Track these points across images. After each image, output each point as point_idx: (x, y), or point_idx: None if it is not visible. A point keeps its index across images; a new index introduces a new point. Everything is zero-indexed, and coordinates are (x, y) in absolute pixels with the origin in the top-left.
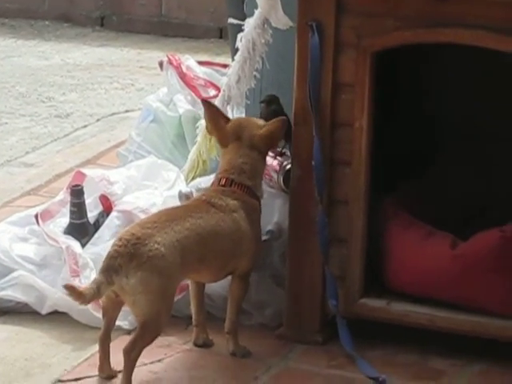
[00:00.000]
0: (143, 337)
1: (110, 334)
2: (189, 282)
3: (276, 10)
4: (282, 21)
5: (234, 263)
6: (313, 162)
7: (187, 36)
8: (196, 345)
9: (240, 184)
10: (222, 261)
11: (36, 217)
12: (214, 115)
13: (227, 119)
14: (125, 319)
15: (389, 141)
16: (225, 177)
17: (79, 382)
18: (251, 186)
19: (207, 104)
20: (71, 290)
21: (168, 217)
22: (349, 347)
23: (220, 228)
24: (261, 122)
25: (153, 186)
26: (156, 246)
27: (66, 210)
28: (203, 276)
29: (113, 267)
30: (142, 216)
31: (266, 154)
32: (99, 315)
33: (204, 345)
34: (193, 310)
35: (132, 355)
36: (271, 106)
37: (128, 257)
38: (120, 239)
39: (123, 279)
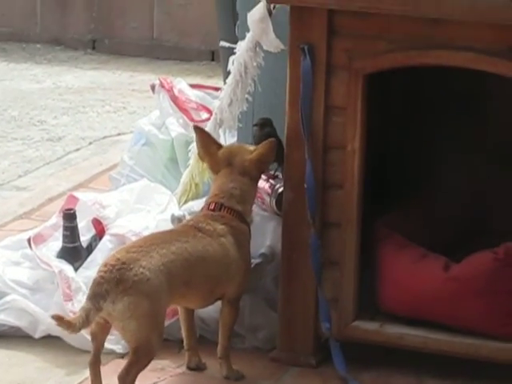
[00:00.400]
0: (137, 362)
1: (99, 358)
2: (178, 307)
3: (267, 33)
4: (274, 44)
5: (222, 289)
6: (305, 185)
7: (179, 59)
8: (189, 368)
9: (229, 208)
10: (209, 286)
11: (29, 241)
12: (206, 141)
13: (219, 145)
14: (118, 343)
15: (381, 163)
16: (214, 201)
17: None
18: (241, 211)
19: (199, 130)
20: (60, 320)
21: (154, 241)
22: (342, 370)
23: (207, 253)
24: (251, 148)
25: (145, 209)
26: (141, 270)
27: (59, 233)
28: (190, 301)
29: (100, 294)
30: (135, 239)
31: (258, 179)
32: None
33: (197, 368)
34: (184, 334)
35: (127, 381)
36: (264, 129)
37: (114, 282)
38: (105, 265)
39: (110, 305)
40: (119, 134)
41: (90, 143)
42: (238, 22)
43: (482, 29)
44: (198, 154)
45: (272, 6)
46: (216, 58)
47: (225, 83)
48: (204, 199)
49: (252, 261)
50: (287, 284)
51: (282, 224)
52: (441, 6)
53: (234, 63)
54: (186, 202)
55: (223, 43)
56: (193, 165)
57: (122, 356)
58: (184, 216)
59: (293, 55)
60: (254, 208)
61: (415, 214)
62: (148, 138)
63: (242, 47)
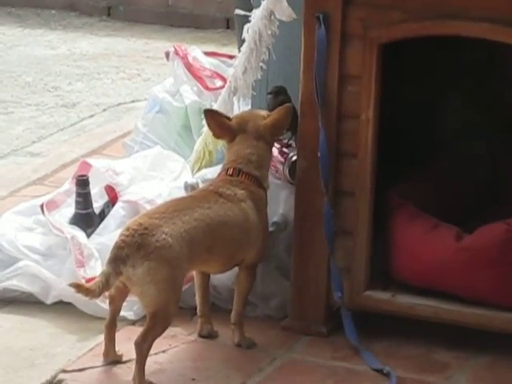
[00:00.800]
0: (153, 328)
1: (116, 322)
2: (194, 273)
3: (280, 1)
4: (286, 13)
5: (242, 254)
6: (319, 154)
7: (194, 26)
8: (201, 336)
9: (247, 174)
10: (230, 251)
11: (41, 207)
12: (218, 121)
13: (228, 118)
14: (130, 310)
15: (395, 132)
16: (232, 167)
17: (83, 372)
18: (258, 176)
19: (209, 113)
20: (78, 287)
21: (176, 207)
22: (353, 339)
23: (228, 218)
24: (263, 112)
25: (159, 176)
26: (163, 236)
27: (72, 200)
28: (211, 266)
29: (120, 257)
30: (148, 207)
31: (273, 144)
32: (104, 305)
33: (209, 336)
34: (198, 301)
35: (144, 347)
36: (279, 97)
37: (135, 247)
38: (127, 229)
39: (130, 269)
40: (133, 101)
41: (104, 110)
42: None
43: None
44: (214, 134)
45: None
46: (231, 25)
47: (239, 51)
48: (217, 167)
49: None
50: (299, 253)
51: (295, 193)
52: None
53: (248, 31)
54: (199, 169)
55: (238, 11)
56: (206, 132)
57: (133, 322)
58: (197, 184)
59: (307, 24)
60: (268, 176)
61: (428, 183)
62: (162, 105)
63: (256, 15)
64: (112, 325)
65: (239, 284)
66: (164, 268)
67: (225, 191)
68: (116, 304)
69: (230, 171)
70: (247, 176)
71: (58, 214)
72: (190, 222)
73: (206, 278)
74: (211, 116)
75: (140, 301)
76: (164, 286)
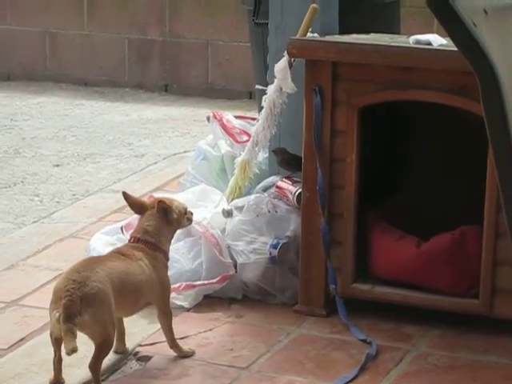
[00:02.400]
0: (102, 353)
1: (61, 357)
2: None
3: (286, 79)
4: (290, 86)
5: (145, 298)
6: (317, 187)
7: (226, 98)
8: (116, 352)
9: (144, 241)
10: (135, 296)
11: (121, 228)
12: (132, 200)
13: (142, 201)
14: (185, 300)
15: (372, 170)
16: (133, 236)
17: (153, 346)
18: (154, 242)
19: (125, 195)
20: (70, 352)
21: (92, 261)
22: (344, 318)
23: (129, 270)
24: (174, 201)
25: (204, 205)
26: (94, 284)
27: None
28: (121, 309)
29: (73, 313)
30: (197, 227)
31: (170, 219)
32: (174, 301)
33: (121, 352)
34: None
35: (97, 368)
36: (279, 157)
37: (78, 300)
38: (67, 290)
39: (79, 318)
40: (185, 152)
41: (164, 158)
42: (268, 71)
43: (441, 74)
44: (131, 208)
45: (292, 59)
46: (253, 97)
47: (259, 115)
48: (245, 197)
49: (279, 241)
50: (305, 257)
51: (301, 215)
52: (411, 59)
53: (265, 101)
54: (232, 199)
55: (258, 86)
56: (237, 173)
57: (188, 310)
58: (231, 210)
59: (308, 94)
60: (281, 203)
61: (396, 206)
62: (205, 154)
63: (271, 89)
64: (59, 359)
65: (160, 321)
66: (102, 308)
67: (125, 252)
68: (60, 344)
69: (132, 240)
70: (144, 242)
71: None
72: (106, 269)
73: (120, 320)
74: (126, 197)
75: (89, 336)
76: (106, 323)
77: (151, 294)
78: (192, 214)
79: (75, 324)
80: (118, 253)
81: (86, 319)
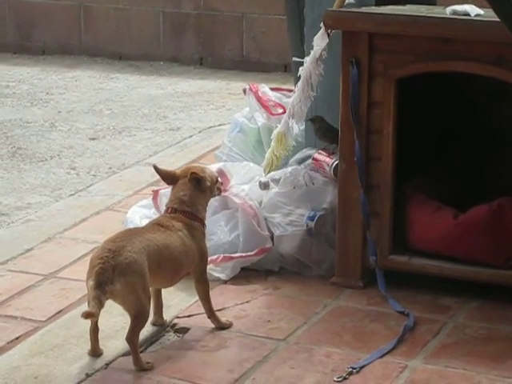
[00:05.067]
0: (138, 325)
1: (98, 326)
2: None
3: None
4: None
5: (184, 269)
6: (355, 158)
7: (261, 71)
8: (154, 325)
9: (181, 211)
10: (174, 267)
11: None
12: (163, 172)
13: (174, 171)
14: (222, 272)
15: (411, 142)
16: (170, 206)
17: (191, 317)
18: (191, 211)
19: (156, 169)
20: (84, 314)
21: (131, 232)
22: (383, 290)
23: (169, 242)
24: (206, 170)
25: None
26: (129, 254)
27: None
28: (160, 280)
29: (103, 281)
30: (235, 198)
31: (203, 188)
32: (211, 273)
33: (159, 325)
34: (153, 303)
35: (134, 340)
36: (317, 124)
37: (111, 269)
38: (101, 258)
39: (110, 286)
40: (220, 125)
41: (200, 131)
42: (305, 43)
43: (479, 45)
44: (163, 180)
45: (329, 30)
46: (288, 69)
47: (295, 87)
48: (281, 170)
49: (316, 213)
50: (342, 229)
51: (338, 186)
52: (449, 29)
53: (302, 72)
54: (269, 171)
55: (295, 58)
56: (273, 145)
57: (225, 282)
58: (268, 182)
59: (344, 66)
60: (317, 175)
61: (433, 179)
62: (241, 126)
63: (307, 61)
64: (95, 328)
65: (198, 292)
66: (136, 279)
67: (164, 223)
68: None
69: (169, 210)
70: (181, 212)
71: None
72: (143, 241)
73: (159, 289)
74: (158, 170)
75: (123, 307)
76: (139, 293)
77: (191, 264)
78: (222, 184)
79: (105, 292)
80: (158, 224)
81: (118, 288)
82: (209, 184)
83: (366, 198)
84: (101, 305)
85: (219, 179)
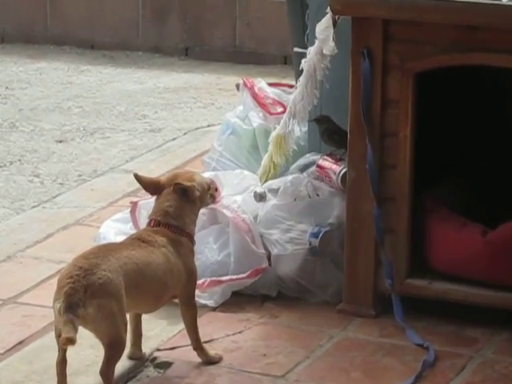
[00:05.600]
0: (113, 356)
1: (66, 358)
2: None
3: (328, 40)
4: (330, 48)
5: (169, 292)
6: (367, 166)
7: (257, 63)
8: (130, 358)
9: (166, 224)
10: (157, 289)
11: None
12: (145, 181)
13: (157, 180)
14: (210, 299)
15: (429, 147)
16: (153, 219)
17: (174, 350)
18: (177, 225)
19: (137, 177)
20: (64, 341)
21: (105, 248)
22: (400, 319)
23: (151, 259)
24: (195, 176)
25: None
26: (103, 273)
27: None
28: (140, 304)
29: (74, 303)
30: (225, 211)
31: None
32: (197, 300)
33: (137, 359)
34: (130, 333)
35: (109, 374)
36: (323, 126)
37: (82, 290)
38: (71, 277)
39: (82, 310)
40: (209, 126)
41: (185, 133)
42: (308, 31)
43: (511, 33)
44: (145, 191)
45: (337, 16)
46: (288, 62)
47: (296, 82)
48: (280, 178)
49: (320, 229)
50: (351, 248)
51: (346, 198)
52: (477, 16)
53: (304, 65)
54: (265, 181)
55: (296, 49)
56: (271, 150)
57: (213, 309)
58: (264, 193)
59: (354, 58)
60: (322, 185)
61: (456, 189)
62: (234, 128)
63: (311, 52)
64: (63, 360)
65: (184, 318)
66: (111, 302)
67: (146, 238)
68: None
69: (151, 223)
70: (166, 226)
71: None
72: (120, 258)
73: (138, 316)
74: (139, 178)
75: (95, 335)
76: (114, 319)
77: (177, 285)
78: (216, 190)
79: (77, 316)
80: (138, 239)
81: (90, 312)
82: (198, 194)
83: (379, 212)
84: (75, 330)
85: (212, 185)
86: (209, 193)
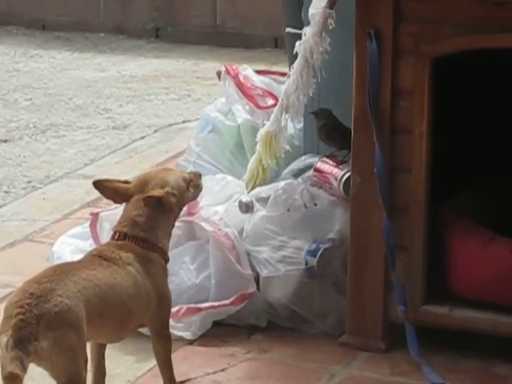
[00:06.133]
0: None
1: None
2: (90, 343)
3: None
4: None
5: (136, 319)
6: (375, 169)
7: (242, 46)
8: None
9: (133, 237)
10: (121, 316)
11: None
12: (110, 188)
13: (125, 181)
14: (187, 330)
15: (448, 147)
16: (118, 231)
17: None
18: (146, 238)
19: (98, 184)
20: (8, 375)
21: (61, 270)
22: (415, 353)
23: (115, 281)
24: (169, 177)
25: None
26: (59, 299)
27: None
28: (102, 333)
29: (25, 338)
30: (204, 225)
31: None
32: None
33: None
34: (92, 372)
35: None
36: (320, 121)
37: (35, 321)
38: (21, 306)
39: (35, 344)
40: (184, 122)
41: (156, 131)
42: (303, 8)
43: None
44: (111, 200)
45: None
46: (280, 44)
47: (290, 69)
48: (271, 185)
49: (319, 245)
50: (356, 268)
51: (350, 208)
52: None
53: (300, 48)
54: (253, 187)
55: (289, 29)
56: (259, 151)
57: (190, 342)
58: (251, 202)
59: (359, 40)
60: (321, 193)
61: (480, 198)
62: (214, 124)
63: (307, 32)
64: None
65: (155, 352)
66: (69, 334)
67: (109, 254)
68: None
69: (116, 236)
70: (133, 239)
71: None
72: (79, 282)
73: (101, 348)
74: (101, 186)
75: (50, 373)
76: (73, 354)
77: (145, 311)
78: (200, 176)
79: (28, 352)
80: (99, 256)
81: (45, 346)
82: (175, 200)
83: (389, 225)
84: (24, 369)
85: (191, 176)
86: (190, 187)
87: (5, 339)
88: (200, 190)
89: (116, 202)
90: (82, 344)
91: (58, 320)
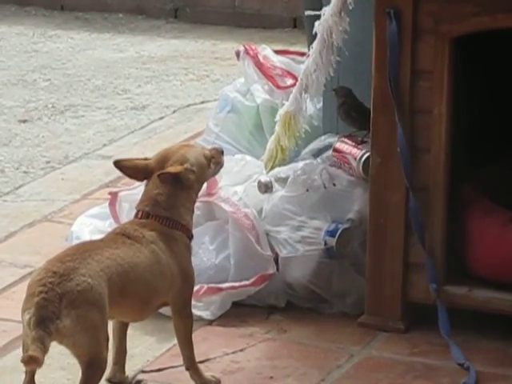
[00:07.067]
0: (92, 377)
1: (34, 381)
2: (113, 322)
3: None
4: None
5: (159, 298)
6: (398, 149)
7: (261, 26)
8: (110, 381)
9: (156, 216)
10: (144, 295)
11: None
12: (129, 167)
13: (144, 159)
14: (207, 309)
15: (470, 127)
16: (141, 210)
17: (162, 372)
18: (169, 216)
19: (118, 164)
20: (25, 360)
21: (84, 248)
22: (446, 333)
23: (138, 259)
24: (189, 153)
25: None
26: (82, 278)
27: None
28: (125, 312)
29: (47, 317)
30: (224, 205)
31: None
32: None
33: (119, 382)
34: (113, 350)
35: None
36: (340, 99)
37: (57, 299)
38: (43, 285)
39: (57, 323)
40: (203, 102)
41: (174, 111)
42: None
43: None
44: (131, 178)
45: None
46: (298, 25)
47: (309, 49)
48: (290, 165)
49: (338, 226)
50: (375, 248)
51: (370, 188)
52: None
53: (319, 28)
54: (272, 167)
55: (308, 12)
56: (279, 131)
57: (210, 322)
58: (271, 182)
59: (378, 19)
60: (340, 173)
61: (504, 177)
62: (233, 104)
63: (326, 12)
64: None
65: (176, 331)
66: (91, 312)
67: (132, 233)
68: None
69: (139, 215)
70: (156, 217)
71: None
72: (102, 260)
73: (124, 327)
74: (121, 166)
75: (72, 351)
76: (95, 332)
77: (168, 290)
78: (222, 152)
79: (49, 332)
80: (122, 234)
81: (68, 324)
82: (194, 177)
83: (417, 204)
84: (45, 349)
85: (213, 152)
86: (211, 164)
87: (27, 317)
88: (221, 166)
89: (138, 179)
90: (104, 323)
91: (80, 298)
